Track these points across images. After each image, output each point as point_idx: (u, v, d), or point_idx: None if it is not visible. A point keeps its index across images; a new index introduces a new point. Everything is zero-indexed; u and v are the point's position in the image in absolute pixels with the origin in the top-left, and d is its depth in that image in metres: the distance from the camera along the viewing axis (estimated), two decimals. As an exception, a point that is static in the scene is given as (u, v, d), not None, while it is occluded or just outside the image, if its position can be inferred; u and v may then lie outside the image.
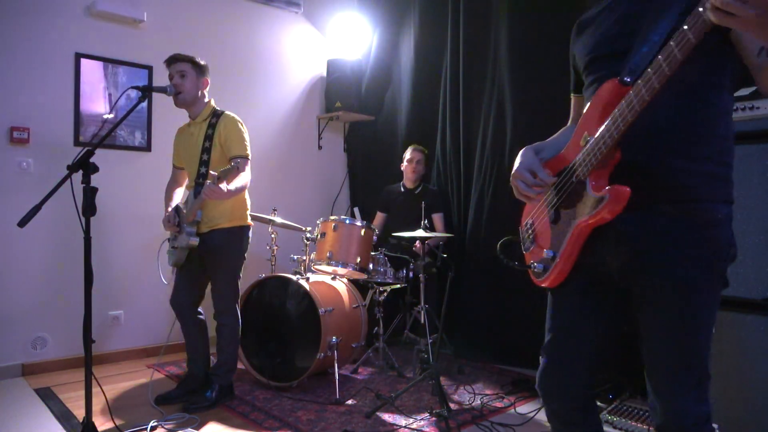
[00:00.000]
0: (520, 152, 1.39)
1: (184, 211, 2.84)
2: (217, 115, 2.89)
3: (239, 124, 2.87)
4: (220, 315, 2.90)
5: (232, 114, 2.91)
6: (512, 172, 1.36)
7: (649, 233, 1.18)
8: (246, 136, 2.88)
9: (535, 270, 1.36)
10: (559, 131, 1.53)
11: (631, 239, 1.20)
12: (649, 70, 1.04)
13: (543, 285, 1.35)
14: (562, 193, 1.28)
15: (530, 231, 1.42)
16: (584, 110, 1.26)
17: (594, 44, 1.31)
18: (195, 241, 2.79)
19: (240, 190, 2.74)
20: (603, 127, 1.15)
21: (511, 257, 1.49)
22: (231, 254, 2.89)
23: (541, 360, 1.40)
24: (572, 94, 1.51)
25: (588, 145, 1.19)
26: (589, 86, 1.32)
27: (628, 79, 1.13)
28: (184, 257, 2.84)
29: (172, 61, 2.84)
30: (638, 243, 1.19)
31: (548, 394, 1.39)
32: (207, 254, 2.86)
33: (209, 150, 2.82)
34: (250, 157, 2.85)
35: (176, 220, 2.84)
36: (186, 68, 2.82)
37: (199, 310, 3.00)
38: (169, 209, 2.92)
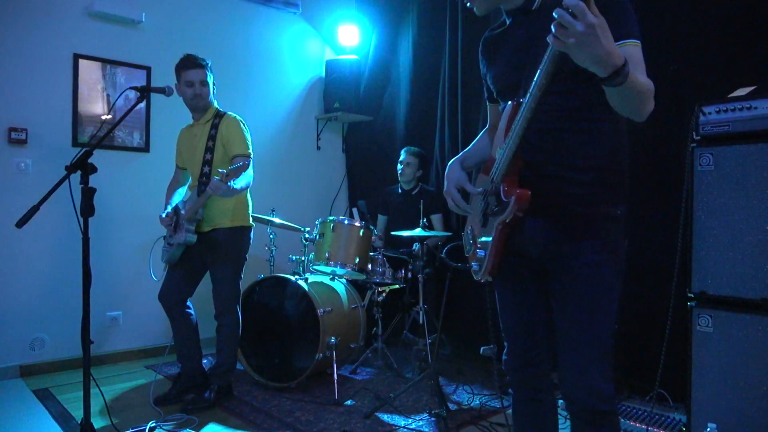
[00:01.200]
0: (448, 166, 1.59)
1: (183, 211, 2.84)
2: (219, 116, 2.89)
3: (241, 124, 2.89)
4: (220, 315, 2.90)
5: (234, 114, 2.92)
6: (443, 190, 1.58)
7: (560, 227, 1.40)
8: (248, 135, 2.89)
9: (473, 269, 1.50)
10: (476, 138, 1.74)
11: (545, 233, 1.41)
12: (533, 88, 1.23)
13: (481, 280, 1.48)
14: (486, 200, 1.45)
15: (470, 235, 1.57)
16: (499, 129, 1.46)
17: (500, 75, 1.53)
18: (193, 237, 2.79)
19: (244, 189, 2.75)
20: (508, 138, 1.34)
21: (457, 260, 1.61)
22: (232, 254, 2.90)
23: (505, 343, 1.60)
24: (488, 103, 1.70)
25: (499, 156, 1.37)
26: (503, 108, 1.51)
27: (522, 99, 1.30)
28: (179, 254, 2.83)
29: (193, 65, 2.81)
30: (552, 234, 1.41)
31: (514, 370, 1.59)
32: (209, 253, 2.86)
33: (212, 150, 2.83)
34: (252, 156, 2.86)
35: (174, 219, 2.84)
36: (205, 75, 2.83)
37: (188, 304, 2.98)
38: (169, 208, 2.92)
